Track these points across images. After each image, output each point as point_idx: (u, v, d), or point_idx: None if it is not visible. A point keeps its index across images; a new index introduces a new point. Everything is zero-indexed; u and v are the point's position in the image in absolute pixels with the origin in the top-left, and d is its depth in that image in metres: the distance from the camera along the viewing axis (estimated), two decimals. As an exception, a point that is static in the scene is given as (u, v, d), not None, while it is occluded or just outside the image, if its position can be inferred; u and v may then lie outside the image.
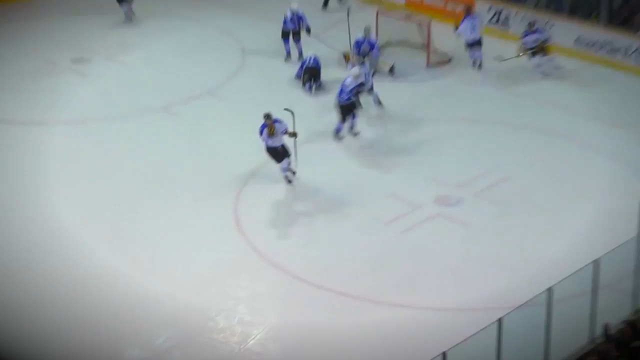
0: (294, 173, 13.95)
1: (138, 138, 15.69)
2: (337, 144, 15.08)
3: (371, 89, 15.93)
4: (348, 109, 14.86)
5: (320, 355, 10.64)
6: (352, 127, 15.09)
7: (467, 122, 15.95)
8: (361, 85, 14.96)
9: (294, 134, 13.86)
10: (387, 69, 17.60)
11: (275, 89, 17.14)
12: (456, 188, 13.85)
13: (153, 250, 12.58)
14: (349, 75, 15.00)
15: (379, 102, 16.09)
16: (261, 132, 13.65)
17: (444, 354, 8.25)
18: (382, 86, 16.28)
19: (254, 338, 10.93)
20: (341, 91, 14.78)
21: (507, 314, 8.94)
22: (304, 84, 17.06)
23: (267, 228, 13.10)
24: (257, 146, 13.88)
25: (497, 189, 13.80)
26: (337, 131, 15.03)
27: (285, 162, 13.80)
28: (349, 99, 14.80)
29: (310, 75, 17.00)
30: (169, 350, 10.73)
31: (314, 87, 16.93)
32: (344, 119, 14.91)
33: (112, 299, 11.58)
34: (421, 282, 11.77)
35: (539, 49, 17.20)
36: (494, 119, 16.06)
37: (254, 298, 11.68)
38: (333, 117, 15.12)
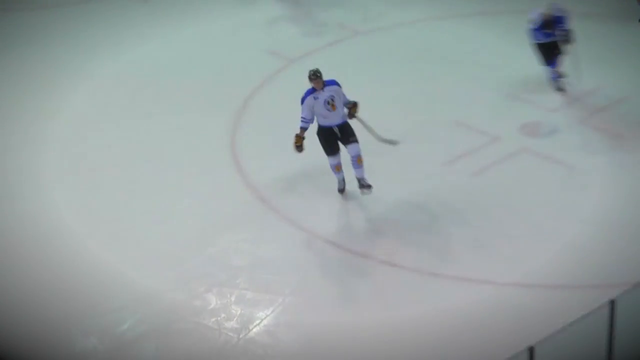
0: (368, 187, 12.54)
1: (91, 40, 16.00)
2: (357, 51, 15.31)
3: None
4: (548, 48, 14.75)
5: (355, 348, 10.61)
6: (556, 77, 14.97)
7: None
8: (560, 18, 14.85)
9: (355, 108, 12.27)
10: None
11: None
12: (550, 112, 13.97)
13: (116, 199, 12.79)
14: (537, 8, 14.89)
15: None
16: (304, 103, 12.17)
17: (530, 350, 8.29)
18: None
19: (259, 324, 11.01)
20: (532, 30, 14.68)
21: (623, 293, 9.01)
22: None
23: (278, 169, 13.20)
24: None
25: (612, 113, 13.89)
26: (554, 78, 14.90)
27: (344, 152, 12.40)
28: (545, 35, 14.68)
29: None
30: (138, 340, 10.81)
31: None
32: (547, 62, 14.83)
33: (60, 267, 11.75)
34: (500, 248, 11.80)
35: None
36: (608, 11, 16.27)
37: (259, 267, 11.74)
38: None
